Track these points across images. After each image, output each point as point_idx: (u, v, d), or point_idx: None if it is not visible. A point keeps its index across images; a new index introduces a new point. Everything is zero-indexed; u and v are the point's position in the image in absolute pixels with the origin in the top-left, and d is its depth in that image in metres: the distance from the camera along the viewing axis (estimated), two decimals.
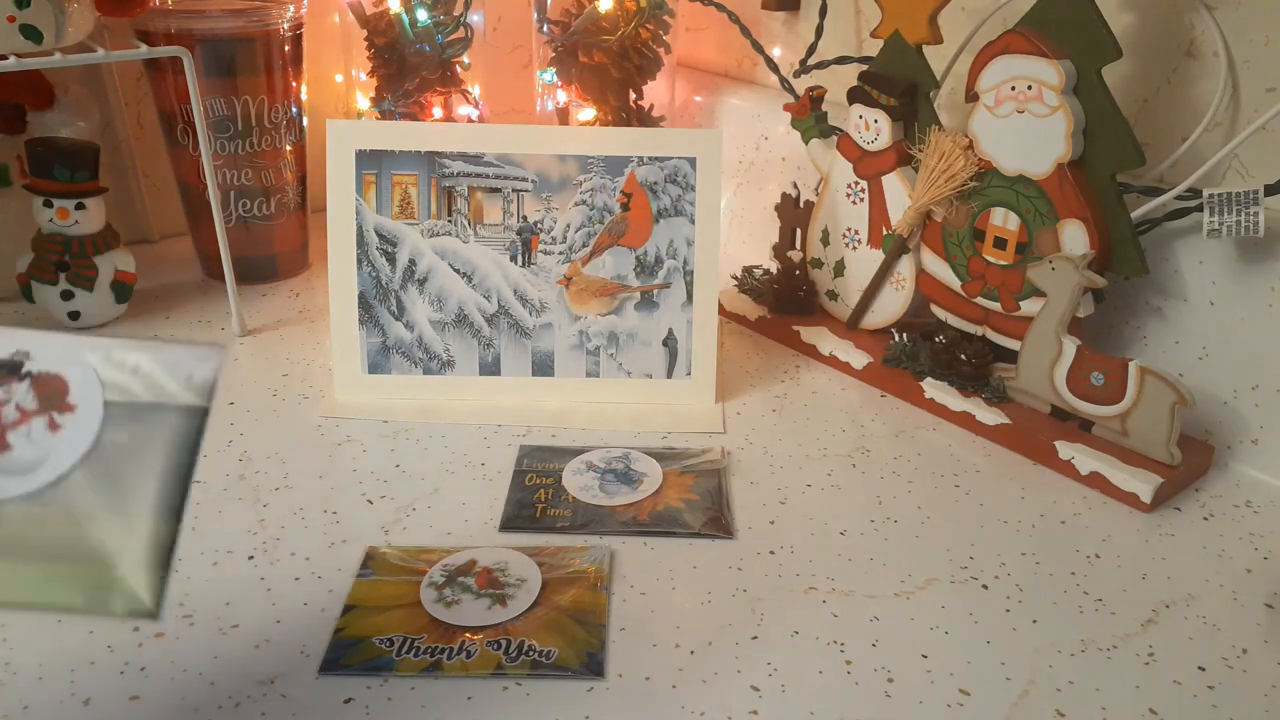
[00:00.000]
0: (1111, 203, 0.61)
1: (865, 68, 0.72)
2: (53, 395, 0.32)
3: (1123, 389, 0.60)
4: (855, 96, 0.72)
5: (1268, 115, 0.59)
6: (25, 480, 0.31)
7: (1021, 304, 0.66)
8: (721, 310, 0.80)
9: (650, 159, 0.67)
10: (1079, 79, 0.60)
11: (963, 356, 0.68)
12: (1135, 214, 0.63)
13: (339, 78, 0.95)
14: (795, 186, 0.81)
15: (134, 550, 0.31)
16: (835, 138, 0.75)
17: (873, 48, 0.72)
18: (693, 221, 0.68)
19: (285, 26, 0.78)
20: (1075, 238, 0.62)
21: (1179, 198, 0.62)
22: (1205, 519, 0.58)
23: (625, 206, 0.68)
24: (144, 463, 0.32)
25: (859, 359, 0.73)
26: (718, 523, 0.56)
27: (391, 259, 0.67)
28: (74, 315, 0.76)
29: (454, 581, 0.50)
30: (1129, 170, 0.61)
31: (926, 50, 0.69)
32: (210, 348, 0.33)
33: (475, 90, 0.87)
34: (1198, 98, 0.65)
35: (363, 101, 0.87)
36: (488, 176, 0.67)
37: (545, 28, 0.87)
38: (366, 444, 0.63)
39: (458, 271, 0.68)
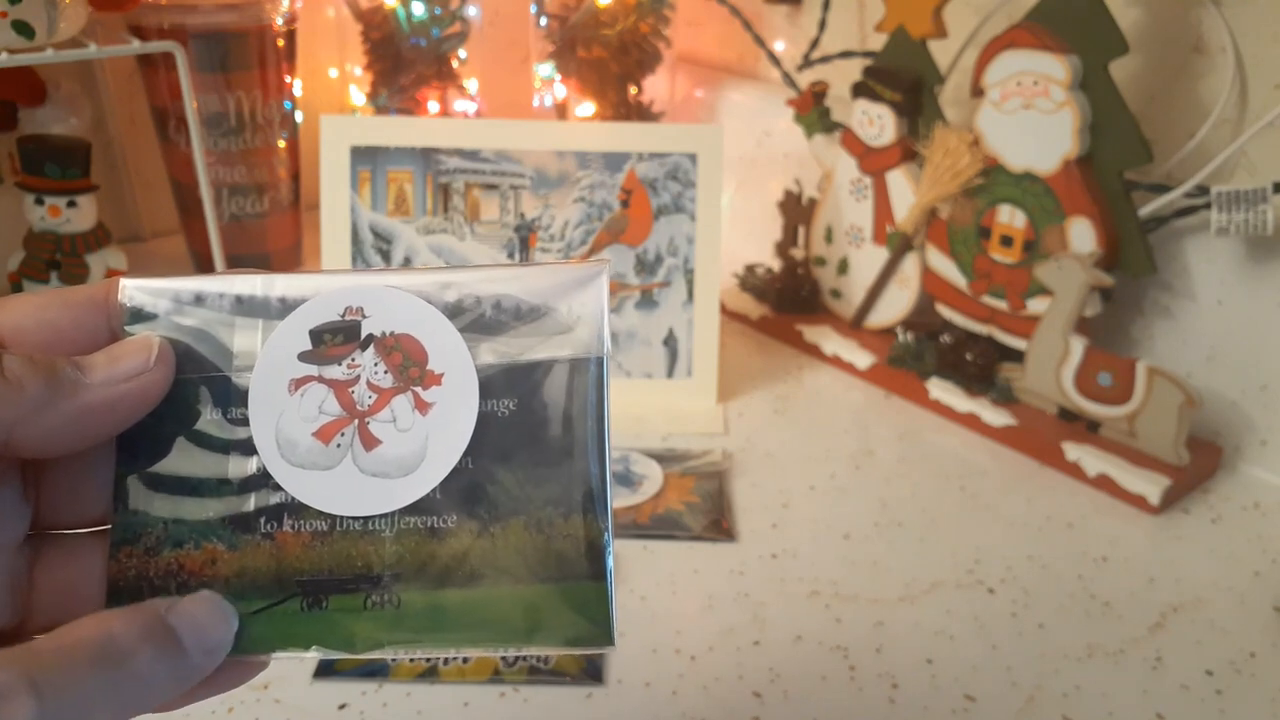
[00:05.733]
0: (1119, 200, 0.60)
1: (869, 62, 0.71)
2: (408, 364, 0.24)
3: (1130, 389, 0.59)
4: (859, 91, 0.71)
5: (1276, 112, 0.58)
6: (410, 484, 0.24)
7: (1028, 303, 0.65)
8: (723, 309, 0.79)
9: (650, 155, 0.66)
10: (1086, 74, 0.59)
11: (969, 356, 0.67)
12: (1143, 211, 0.62)
13: (333, 72, 0.94)
14: (798, 183, 0.80)
15: (559, 559, 0.24)
16: (839, 133, 0.74)
17: (877, 42, 0.71)
18: (693, 219, 0.67)
19: (279, 21, 0.78)
20: (1083, 235, 0.61)
21: (1187, 195, 0.61)
22: (1213, 521, 0.58)
23: (624, 203, 0.67)
24: (540, 438, 0.24)
25: (863, 359, 0.72)
26: (719, 526, 0.55)
27: (387, 257, 0.66)
28: None
29: None
30: (1137, 167, 0.61)
31: (931, 45, 0.68)
32: (591, 266, 0.25)
33: (472, 85, 0.86)
34: (1205, 94, 0.64)
35: (358, 97, 0.86)
36: (484, 173, 0.66)
37: (543, 21, 0.86)
38: None
39: None
